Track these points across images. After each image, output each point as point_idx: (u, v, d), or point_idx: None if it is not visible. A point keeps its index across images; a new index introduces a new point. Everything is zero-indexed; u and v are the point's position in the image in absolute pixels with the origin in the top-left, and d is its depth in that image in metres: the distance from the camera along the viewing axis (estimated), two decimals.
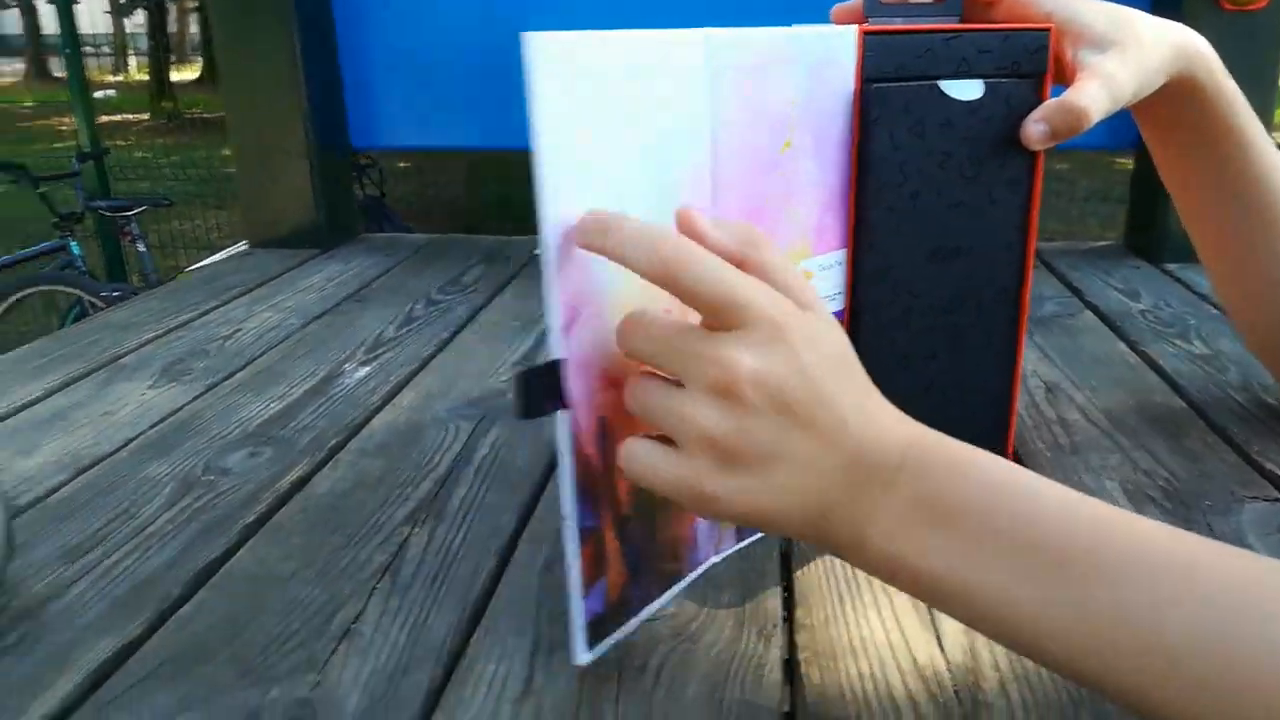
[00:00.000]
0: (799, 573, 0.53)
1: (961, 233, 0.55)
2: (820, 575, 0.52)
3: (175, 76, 13.66)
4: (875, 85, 0.50)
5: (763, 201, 0.49)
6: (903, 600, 0.50)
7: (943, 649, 0.46)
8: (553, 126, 0.39)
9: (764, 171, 0.49)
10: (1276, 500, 0.60)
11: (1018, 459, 0.66)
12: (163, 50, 12.21)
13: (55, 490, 0.62)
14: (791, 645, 0.47)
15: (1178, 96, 0.60)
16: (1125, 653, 0.33)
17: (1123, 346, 0.89)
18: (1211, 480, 0.63)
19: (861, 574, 0.52)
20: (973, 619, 0.37)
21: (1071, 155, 7.07)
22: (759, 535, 0.56)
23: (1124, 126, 1.26)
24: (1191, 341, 0.90)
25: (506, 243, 1.34)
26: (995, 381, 0.60)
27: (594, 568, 0.44)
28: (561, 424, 0.42)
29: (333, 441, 0.70)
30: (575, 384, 0.42)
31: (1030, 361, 0.85)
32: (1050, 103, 0.53)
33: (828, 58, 0.50)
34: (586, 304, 0.42)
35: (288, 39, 1.22)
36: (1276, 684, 0.31)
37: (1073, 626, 0.34)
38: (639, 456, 0.41)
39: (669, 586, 0.50)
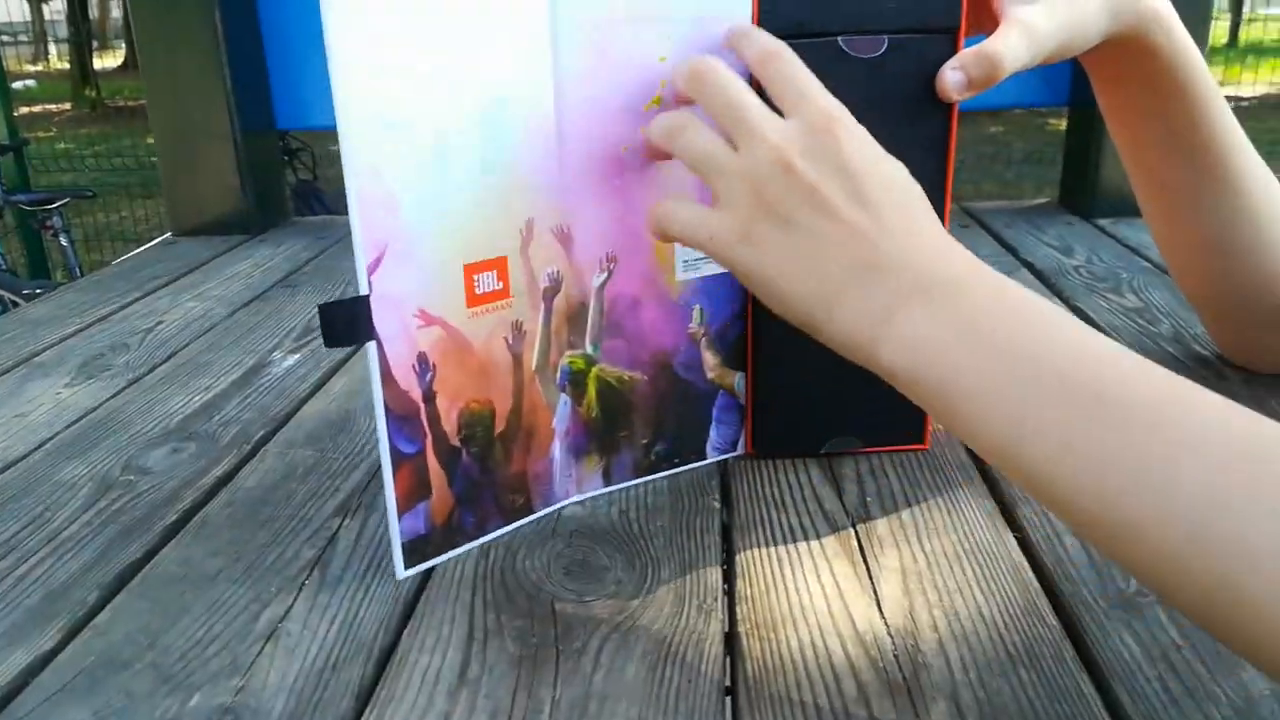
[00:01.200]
0: (739, 544, 0.52)
1: None
2: (760, 546, 0.51)
3: (98, 64, 13.26)
4: None
5: (621, 155, 0.50)
6: (842, 565, 0.49)
7: (882, 613, 0.46)
8: (348, 69, 0.40)
9: (622, 125, 0.49)
10: None
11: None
12: (84, 37, 11.82)
13: None
14: (732, 618, 0.46)
15: (1126, 53, 0.58)
16: (1138, 503, 0.33)
17: (1057, 302, 0.90)
18: None
19: (801, 541, 0.52)
20: (988, 447, 0.37)
21: (1006, 119, 7.15)
22: (628, 483, 0.57)
23: (1058, 84, 1.28)
24: (1124, 295, 0.90)
25: None
26: None
27: (414, 490, 0.48)
28: (370, 355, 0.45)
29: (259, 434, 0.68)
30: (386, 319, 0.45)
31: None
32: (966, 50, 0.51)
33: (714, 12, 0.49)
34: (396, 245, 0.44)
35: (209, 18, 1.17)
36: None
37: (1089, 466, 0.34)
38: (672, 208, 0.45)
39: (516, 519, 0.53)
